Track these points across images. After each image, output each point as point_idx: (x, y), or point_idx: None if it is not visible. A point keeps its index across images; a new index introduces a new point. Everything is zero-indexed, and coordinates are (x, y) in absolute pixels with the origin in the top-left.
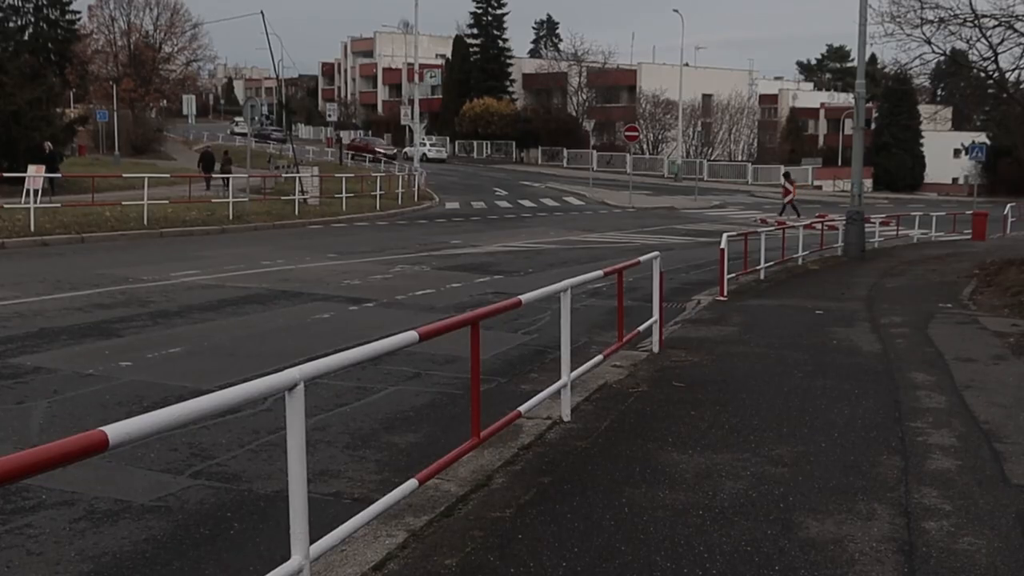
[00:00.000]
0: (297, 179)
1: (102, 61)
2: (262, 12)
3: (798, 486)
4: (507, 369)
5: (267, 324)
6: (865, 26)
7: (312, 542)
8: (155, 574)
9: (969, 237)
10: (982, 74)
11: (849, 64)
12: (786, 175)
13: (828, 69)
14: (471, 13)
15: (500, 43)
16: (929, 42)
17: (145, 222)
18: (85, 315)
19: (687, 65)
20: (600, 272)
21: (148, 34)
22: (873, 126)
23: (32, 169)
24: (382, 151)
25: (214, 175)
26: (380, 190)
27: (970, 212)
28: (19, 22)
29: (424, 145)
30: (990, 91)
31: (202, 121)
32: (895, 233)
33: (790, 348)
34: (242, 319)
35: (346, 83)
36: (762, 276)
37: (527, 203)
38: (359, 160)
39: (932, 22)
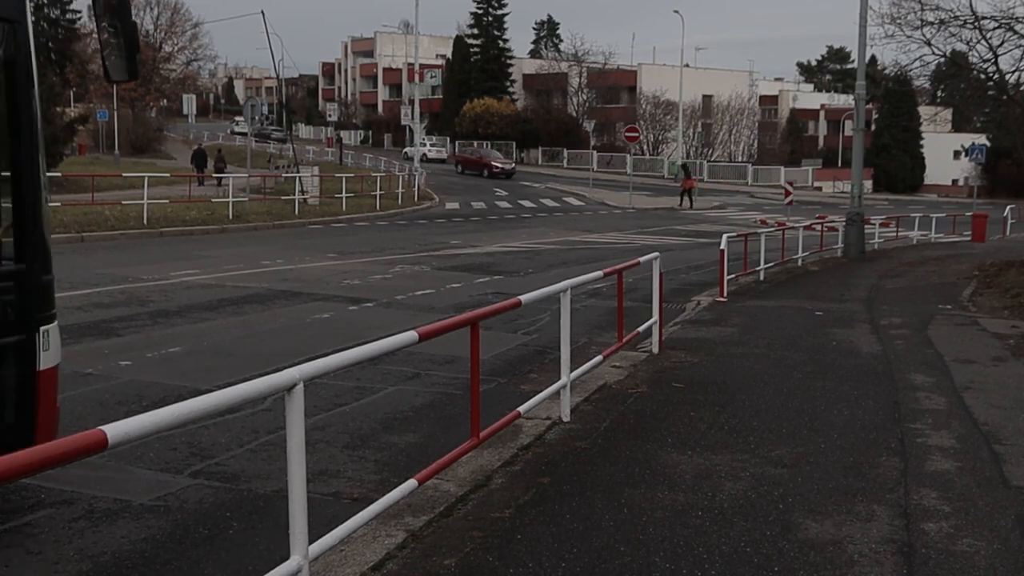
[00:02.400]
0: (297, 179)
1: None
2: (262, 12)
3: (797, 487)
4: (507, 369)
5: (267, 324)
6: (865, 27)
7: (311, 542)
8: (154, 573)
9: (969, 238)
10: (982, 76)
11: (849, 65)
12: (684, 167)
13: (828, 70)
14: (471, 13)
15: (500, 43)
16: (929, 44)
17: (145, 221)
18: (84, 314)
19: (687, 66)
20: (600, 273)
21: (148, 33)
22: (873, 127)
23: None
24: (499, 165)
25: (212, 174)
26: (380, 190)
27: (970, 214)
28: None
29: (424, 145)
30: (990, 93)
31: (202, 121)
32: (895, 234)
33: (790, 349)
34: (242, 319)
35: (346, 83)
36: (762, 277)
37: (527, 203)
38: (470, 175)
39: (932, 24)
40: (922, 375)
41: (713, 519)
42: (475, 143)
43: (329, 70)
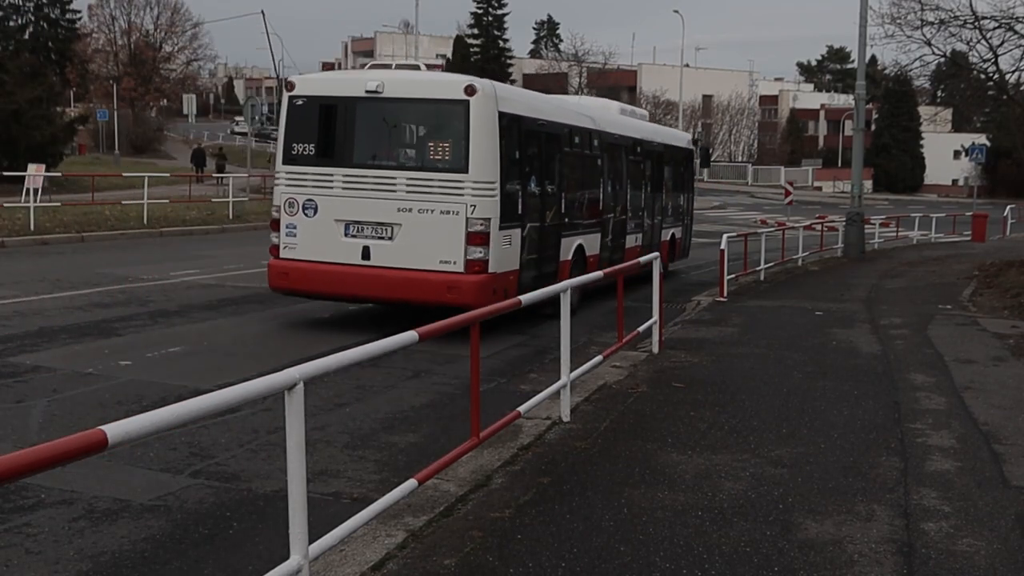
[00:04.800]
0: None
1: (102, 60)
2: (262, 12)
3: (797, 487)
4: (507, 369)
5: (267, 323)
6: (865, 28)
7: (311, 542)
8: (154, 573)
9: (969, 238)
10: (982, 76)
11: (849, 65)
12: None
13: (828, 70)
14: (472, 13)
15: (501, 43)
16: (929, 44)
17: (145, 221)
18: (84, 314)
19: (687, 66)
20: (600, 273)
21: (148, 33)
22: (873, 127)
23: (32, 168)
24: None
25: (213, 173)
26: None
27: (970, 214)
28: (20, 21)
29: None
30: (990, 93)
31: (202, 120)
32: (895, 234)
33: (790, 349)
34: (242, 318)
35: None
36: (762, 277)
37: None
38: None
39: (932, 24)
40: (922, 375)
41: (713, 519)
42: None
43: (329, 70)
